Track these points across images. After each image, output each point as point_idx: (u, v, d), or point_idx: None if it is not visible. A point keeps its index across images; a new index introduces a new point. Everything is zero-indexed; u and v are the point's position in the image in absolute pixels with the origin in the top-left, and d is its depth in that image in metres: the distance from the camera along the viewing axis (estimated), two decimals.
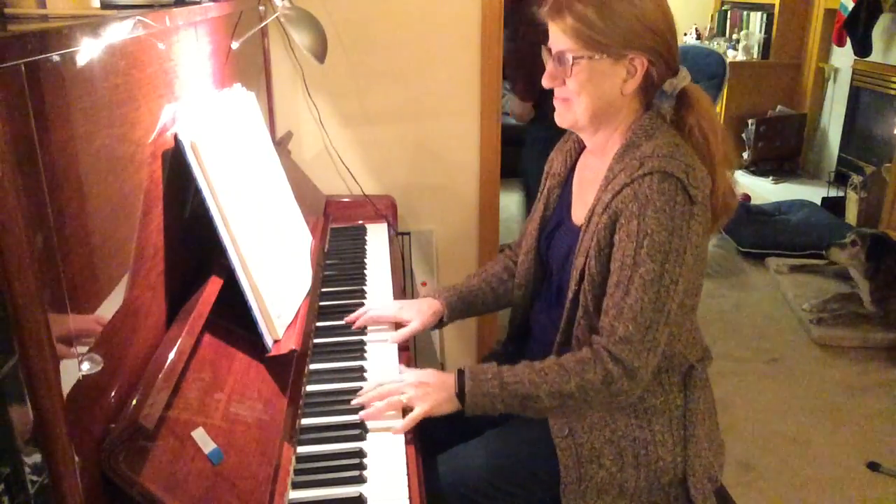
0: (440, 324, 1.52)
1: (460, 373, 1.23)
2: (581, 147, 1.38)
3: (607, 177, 1.21)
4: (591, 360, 1.15)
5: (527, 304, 1.45)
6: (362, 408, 1.22)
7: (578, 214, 1.32)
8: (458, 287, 1.53)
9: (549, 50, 1.23)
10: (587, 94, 1.20)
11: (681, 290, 1.14)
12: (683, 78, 1.23)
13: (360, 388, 1.28)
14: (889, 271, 3.02)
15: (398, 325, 1.49)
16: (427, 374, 1.27)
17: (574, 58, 1.17)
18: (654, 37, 1.17)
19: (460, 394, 1.21)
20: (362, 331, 1.48)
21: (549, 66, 1.23)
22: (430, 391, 1.22)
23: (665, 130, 1.21)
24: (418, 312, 1.47)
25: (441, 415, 1.22)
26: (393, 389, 1.24)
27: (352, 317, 1.51)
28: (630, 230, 1.13)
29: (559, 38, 1.19)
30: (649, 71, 1.19)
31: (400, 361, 1.39)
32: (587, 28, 1.16)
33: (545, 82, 1.24)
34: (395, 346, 1.43)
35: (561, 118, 1.26)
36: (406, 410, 1.22)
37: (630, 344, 1.13)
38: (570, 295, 1.24)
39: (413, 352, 2.10)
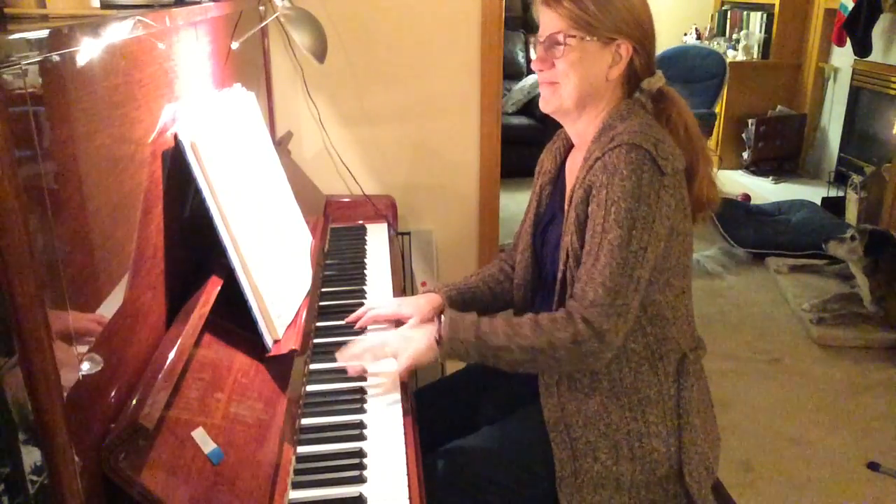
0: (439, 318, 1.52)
1: (441, 319, 1.28)
2: (569, 145, 1.42)
3: (586, 158, 1.25)
4: (564, 319, 1.19)
5: (527, 303, 1.45)
6: (363, 404, 1.23)
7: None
8: (457, 284, 1.55)
9: (539, 39, 1.29)
10: (575, 73, 1.25)
11: (650, 257, 1.18)
12: (660, 78, 1.30)
13: (361, 388, 1.29)
14: (890, 270, 3.01)
15: (398, 323, 1.49)
16: (410, 329, 1.36)
17: (566, 36, 1.23)
18: (641, 29, 1.26)
19: (440, 340, 1.26)
20: (363, 330, 1.48)
21: (539, 50, 1.28)
22: (411, 342, 1.29)
23: (641, 115, 1.26)
24: (417, 308, 1.48)
25: (425, 364, 1.28)
26: (377, 343, 1.30)
27: (352, 317, 1.51)
28: (600, 199, 1.18)
29: (553, 21, 1.25)
30: (633, 60, 1.26)
31: None
32: (582, 11, 1.23)
33: (534, 66, 1.30)
34: None
35: (545, 102, 1.31)
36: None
37: (600, 307, 1.16)
38: (559, 275, 1.26)
39: None
